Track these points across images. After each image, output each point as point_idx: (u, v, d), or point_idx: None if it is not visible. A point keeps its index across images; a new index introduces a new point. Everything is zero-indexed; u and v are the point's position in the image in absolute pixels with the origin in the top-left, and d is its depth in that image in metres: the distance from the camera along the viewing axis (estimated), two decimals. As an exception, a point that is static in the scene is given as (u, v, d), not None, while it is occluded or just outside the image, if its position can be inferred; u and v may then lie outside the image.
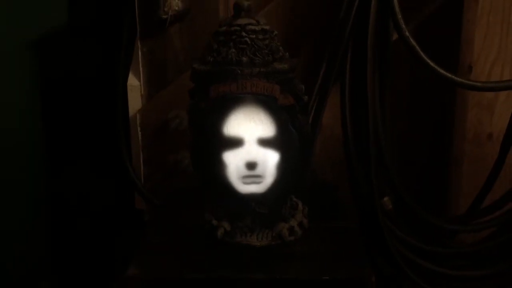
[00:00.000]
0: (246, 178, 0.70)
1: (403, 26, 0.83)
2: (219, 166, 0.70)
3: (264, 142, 0.70)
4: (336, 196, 0.94)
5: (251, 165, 0.70)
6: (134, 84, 1.01)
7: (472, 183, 1.03)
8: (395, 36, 0.89)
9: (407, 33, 0.83)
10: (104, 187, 1.12)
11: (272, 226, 0.74)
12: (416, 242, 0.95)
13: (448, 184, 1.08)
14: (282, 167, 0.70)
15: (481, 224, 0.98)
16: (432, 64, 0.84)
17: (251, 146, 0.69)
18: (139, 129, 1.03)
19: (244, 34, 0.68)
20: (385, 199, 0.93)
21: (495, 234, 0.97)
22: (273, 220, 0.74)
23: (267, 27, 0.70)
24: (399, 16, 0.83)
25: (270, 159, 0.70)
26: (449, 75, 0.85)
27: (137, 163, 1.04)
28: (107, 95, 1.02)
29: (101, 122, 1.07)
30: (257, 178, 0.70)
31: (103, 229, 1.12)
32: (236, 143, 0.70)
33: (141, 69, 1.01)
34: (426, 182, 1.10)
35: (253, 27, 0.69)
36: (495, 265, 0.95)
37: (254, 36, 0.68)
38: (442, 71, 0.84)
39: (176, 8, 0.95)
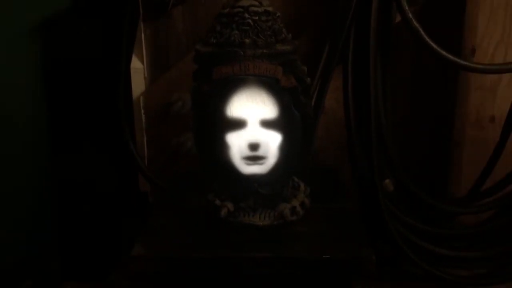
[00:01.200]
0: (248, 159, 0.71)
1: (406, 8, 0.83)
2: (222, 147, 0.70)
3: (266, 124, 0.70)
4: (337, 179, 0.95)
5: (253, 146, 0.70)
6: (138, 67, 1.01)
7: (473, 166, 1.03)
8: (397, 19, 0.89)
9: (410, 15, 0.83)
10: (108, 169, 1.13)
11: (274, 206, 0.75)
12: (417, 224, 0.96)
13: (449, 166, 1.08)
14: (285, 148, 0.71)
15: (482, 206, 0.99)
16: (435, 46, 0.84)
17: (253, 128, 0.70)
18: (142, 111, 1.03)
19: (247, 15, 0.68)
20: (386, 181, 0.93)
21: (496, 216, 0.98)
22: (275, 201, 0.75)
23: (270, 9, 0.70)
24: (403, -3, 0.82)
25: (272, 140, 0.71)
26: (452, 57, 0.85)
27: (140, 146, 1.05)
28: (110, 78, 1.02)
29: (105, 104, 1.07)
30: (260, 159, 0.71)
31: (108, 211, 1.13)
32: (239, 124, 0.70)
33: (144, 51, 1.01)
34: (427, 164, 1.10)
35: (256, 9, 0.69)
36: (496, 247, 0.96)
37: (257, 17, 0.68)
38: (445, 53, 0.84)
39: (179, -10, 0.96)
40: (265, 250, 0.71)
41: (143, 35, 1.00)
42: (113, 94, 1.01)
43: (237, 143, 0.70)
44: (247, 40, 0.67)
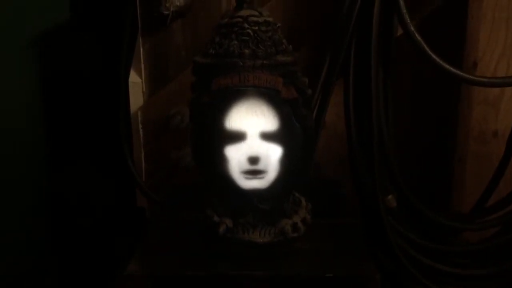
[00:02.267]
0: (248, 173, 0.69)
1: (408, 21, 0.82)
2: (221, 161, 0.68)
3: (266, 136, 0.68)
4: (339, 193, 0.94)
5: (253, 160, 0.68)
6: (136, 81, 1.01)
7: (477, 181, 1.02)
8: (399, 32, 0.88)
9: (412, 28, 0.82)
10: (105, 185, 1.12)
11: (274, 222, 0.73)
12: (420, 240, 0.95)
13: (452, 182, 1.07)
14: (285, 161, 0.69)
15: (486, 223, 0.97)
16: (438, 59, 0.83)
17: (253, 140, 0.68)
18: (140, 126, 1.03)
19: (246, 25, 0.67)
20: (389, 197, 0.92)
21: (500, 233, 0.96)
22: (275, 217, 0.73)
23: (270, 19, 0.69)
24: (404, 11, 0.82)
25: (272, 153, 0.69)
26: (455, 70, 0.84)
27: (138, 160, 1.04)
28: (108, 92, 1.02)
29: (103, 119, 1.07)
30: (260, 173, 0.69)
31: (104, 227, 1.12)
32: (238, 137, 0.68)
33: (142, 66, 1.01)
34: (429, 180, 1.09)
35: (255, 19, 0.67)
36: (500, 264, 0.94)
37: (256, 27, 0.67)
38: (448, 66, 0.84)
39: (178, 4, 0.95)
40: (265, 267, 0.68)
41: (141, 49, 1.00)
42: (111, 108, 1.01)
43: (236, 156, 0.69)
44: (246, 51, 0.66)
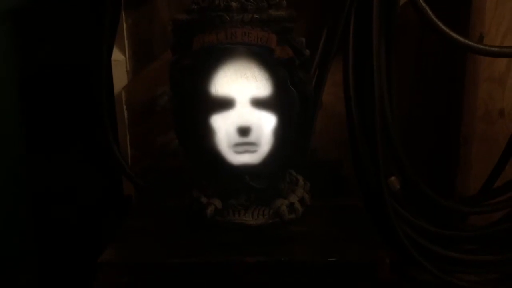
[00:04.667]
0: (238, 146, 0.64)
1: (412, -15, 0.80)
2: (207, 133, 0.63)
3: (258, 103, 0.63)
4: (339, 174, 0.91)
5: (243, 131, 0.63)
6: (119, 58, 0.99)
7: (483, 163, 1.00)
8: (402, 2, 0.85)
9: (417, -6, 0.80)
10: (89, 171, 1.10)
11: (269, 202, 0.69)
12: (425, 225, 0.92)
13: (457, 164, 1.05)
14: (280, 133, 0.64)
15: (493, 205, 0.95)
16: (443, 27, 0.80)
17: (243, 108, 0.63)
18: (124, 107, 1.00)
19: (234, -25, 0.61)
20: (392, 178, 0.88)
21: (509, 216, 0.93)
22: (270, 196, 0.69)
23: (260, -31, 0.64)
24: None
25: (265, 123, 0.64)
26: (462, 39, 0.81)
27: (123, 144, 1.02)
28: (90, 71, 0.98)
29: (84, 100, 1.04)
30: (251, 146, 0.64)
31: (89, 215, 1.10)
32: (225, 104, 0.63)
33: (126, 42, 0.98)
34: (434, 162, 1.08)
35: (244, -32, 0.62)
36: (509, 249, 0.92)
37: (245, -22, 0.62)
38: (455, 35, 0.81)
39: (163, -24, 0.94)
40: (258, 253, 0.63)
41: (124, 24, 0.98)
42: (93, 89, 0.98)
43: (224, 127, 0.63)
44: (234, 4, 0.60)
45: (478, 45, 0.85)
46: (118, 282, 0.60)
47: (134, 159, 1.02)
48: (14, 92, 0.97)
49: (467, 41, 0.82)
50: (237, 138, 0.63)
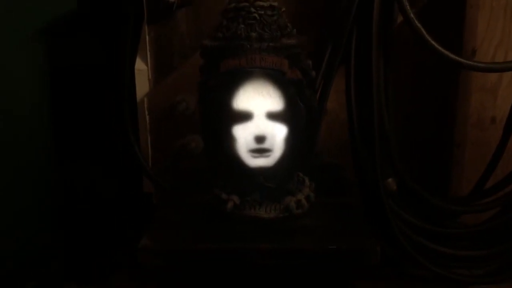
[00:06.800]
0: (254, 152, 0.71)
1: (408, 7, 0.84)
2: (229, 140, 0.71)
3: (272, 116, 0.70)
4: (341, 176, 0.94)
5: (259, 139, 0.70)
6: (142, 68, 1.02)
7: (475, 166, 1.04)
8: (399, 20, 0.90)
9: (412, 15, 0.84)
10: (112, 171, 1.13)
11: (280, 199, 0.75)
12: (420, 223, 0.97)
13: (450, 167, 1.08)
14: (290, 140, 0.71)
15: (484, 205, 0.99)
16: (436, 45, 0.84)
17: (260, 120, 0.70)
18: (146, 113, 1.04)
19: (252, 10, 0.69)
20: (389, 180, 0.94)
21: (498, 215, 0.98)
22: (281, 194, 0.75)
23: (275, 4, 0.72)
24: (404, -2, 0.82)
25: (278, 132, 0.71)
26: (454, 56, 0.86)
27: (145, 147, 1.05)
28: (114, 80, 1.03)
29: (109, 106, 1.08)
30: (266, 151, 0.71)
31: (111, 212, 1.13)
32: (245, 117, 0.70)
33: (148, 53, 1.02)
34: (429, 165, 1.10)
35: (261, 3, 0.70)
36: (498, 245, 0.96)
37: (262, 12, 0.69)
38: (447, 52, 0.85)
39: (183, -8, 0.96)
40: (271, 241, 0.70)
41: (147, 37, 1.02)
42: (117, 96, 1.02)
43: (243, 135, 0.71)
44: (253, 34, 0.68)
45: (467, 61, 0.88)
46: (154, 264, 0.68)
47: (154, 160, 1.06)
48: (46, 99, 1.01)
49: (457, 57, 0.86)
50: (254, 145, 0.71)
